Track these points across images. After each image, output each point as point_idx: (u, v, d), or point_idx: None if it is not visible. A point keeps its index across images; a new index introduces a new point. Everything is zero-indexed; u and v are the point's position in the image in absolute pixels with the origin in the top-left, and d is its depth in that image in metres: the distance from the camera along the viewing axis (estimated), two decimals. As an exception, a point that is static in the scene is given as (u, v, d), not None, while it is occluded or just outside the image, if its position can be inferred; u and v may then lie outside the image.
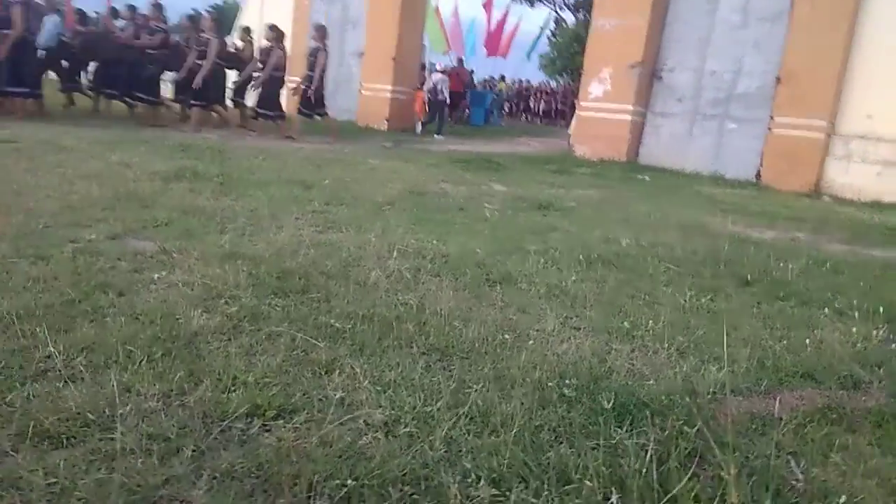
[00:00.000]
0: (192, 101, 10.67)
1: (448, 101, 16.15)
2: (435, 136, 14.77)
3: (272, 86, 10.93)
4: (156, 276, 2.98)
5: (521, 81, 28.48)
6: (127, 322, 2.43)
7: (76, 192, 4.63)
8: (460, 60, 21.12)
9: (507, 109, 26.97)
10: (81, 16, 11.96)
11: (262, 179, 5.99)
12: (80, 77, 11.48)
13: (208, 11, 15.09)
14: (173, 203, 4.56)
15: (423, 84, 16.25)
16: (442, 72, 16.35)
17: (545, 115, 27.53)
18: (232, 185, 5.48)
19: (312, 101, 10.94)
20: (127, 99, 10.94)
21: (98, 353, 2.17)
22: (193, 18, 11.60)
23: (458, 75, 20.03)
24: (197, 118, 10.65)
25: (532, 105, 28.35)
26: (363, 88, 15.76)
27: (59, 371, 2.04)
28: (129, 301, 2.68)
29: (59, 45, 9.97)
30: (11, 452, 1.64)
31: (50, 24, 9.56)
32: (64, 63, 10.81)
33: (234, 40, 12.53)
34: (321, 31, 10.88)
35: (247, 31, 12.15)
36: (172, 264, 3.18)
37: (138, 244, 3.54)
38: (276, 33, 10.83)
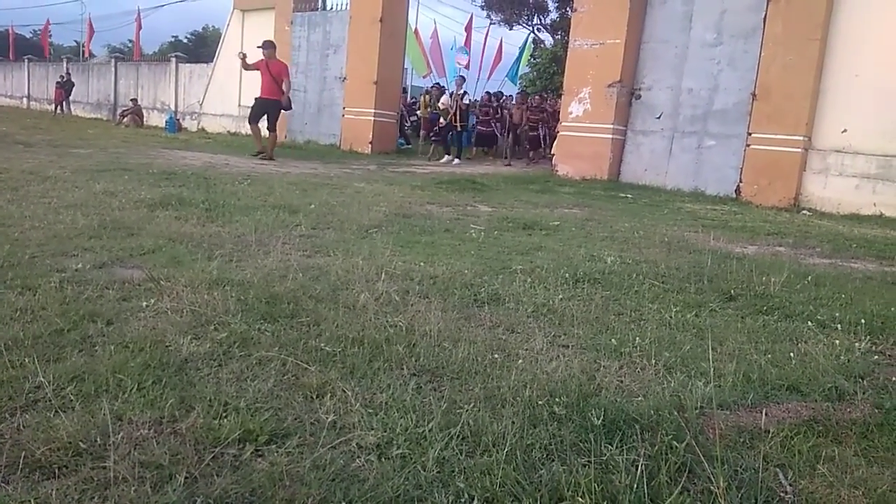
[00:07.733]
0: None
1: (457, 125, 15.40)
2: (455, 160, 14.99)
3: None
4: (144, 303, 2.97)
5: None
6: (116, 350, 2.42)
7: (62, 221, 4.61)
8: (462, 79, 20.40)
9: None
10: None
11: (248, 205, 6.00)
12: None
13: (188, 38, 15.10)
14: (160, 230, 4.56)
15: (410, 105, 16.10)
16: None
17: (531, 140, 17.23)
18: (218, 212, 5.48)
19: None
20: None
21: (88, 382, 2.16)
22: None
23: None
24: None
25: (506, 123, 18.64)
26: (346, 112, 15.88)
27: (50, 401, 2.03)
28: (119, 329, 2.67)
29: None
30: (2, 483, 1.63)
31: None
32: None
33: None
34: None
35: None
36: (161, 292, 3.17)
37: (126, 272, 3.53)
38: None
